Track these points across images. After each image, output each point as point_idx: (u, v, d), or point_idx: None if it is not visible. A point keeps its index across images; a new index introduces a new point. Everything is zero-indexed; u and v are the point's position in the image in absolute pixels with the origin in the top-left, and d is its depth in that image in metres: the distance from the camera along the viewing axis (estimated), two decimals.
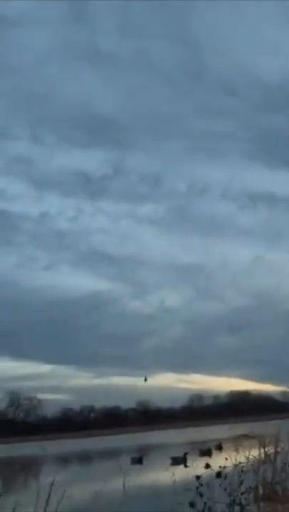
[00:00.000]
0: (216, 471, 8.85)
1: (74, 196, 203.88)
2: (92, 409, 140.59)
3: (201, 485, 8.76)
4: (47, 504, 8.91)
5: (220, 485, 8.69)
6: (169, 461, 25.37)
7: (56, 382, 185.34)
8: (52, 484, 9.22)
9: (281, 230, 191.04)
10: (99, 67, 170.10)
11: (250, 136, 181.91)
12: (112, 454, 41.86)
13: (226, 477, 8.92)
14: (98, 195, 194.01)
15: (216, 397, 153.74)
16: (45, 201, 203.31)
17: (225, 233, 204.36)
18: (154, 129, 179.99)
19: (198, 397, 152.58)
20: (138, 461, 28.10)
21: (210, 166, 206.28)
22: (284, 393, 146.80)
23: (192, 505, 8.76)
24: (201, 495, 8.77)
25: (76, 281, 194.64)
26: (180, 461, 24.88)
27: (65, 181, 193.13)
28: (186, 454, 25.52)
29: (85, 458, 41.29)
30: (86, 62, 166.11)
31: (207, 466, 8.80)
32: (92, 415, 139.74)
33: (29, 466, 37.28)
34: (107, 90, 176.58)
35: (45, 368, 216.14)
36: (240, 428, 48.99)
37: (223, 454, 24.44)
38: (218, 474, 8.82)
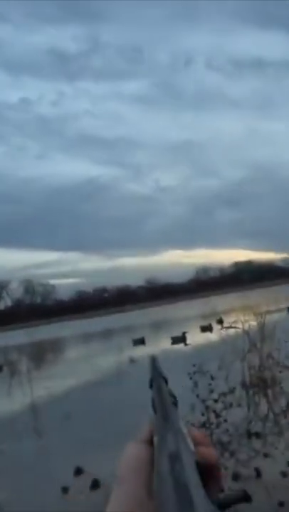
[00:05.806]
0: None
1: (52, 78, 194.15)
2: (104, 290, 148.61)
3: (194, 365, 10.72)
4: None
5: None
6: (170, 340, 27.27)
7: (67, 268, 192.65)
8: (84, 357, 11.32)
9: (272, 97, 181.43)
10: None
11: None
12: (127, 330, 45.54)
13: None
14: (77, 75, 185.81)
15: (221, 269, 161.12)
16: (22, 86, 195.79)
17: (214, 106, 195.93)
18: None
19: (203, 270, 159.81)
20: (141, 342, 29.58)
21: (193, 33, 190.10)
22: (285, 259, 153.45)
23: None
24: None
25: (69, 168, 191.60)
26: (180, 340, 26.15)
27: (39, 62, 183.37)
28: (184, 333, 26.32)
29: (103, 335, 45.12)
30: None
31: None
32: (105, 295, 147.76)
33: (55, 346, 41.11)
34: None
35: (53, 255, 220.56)
36: (245, 298, 52.24)
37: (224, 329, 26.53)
38: None
